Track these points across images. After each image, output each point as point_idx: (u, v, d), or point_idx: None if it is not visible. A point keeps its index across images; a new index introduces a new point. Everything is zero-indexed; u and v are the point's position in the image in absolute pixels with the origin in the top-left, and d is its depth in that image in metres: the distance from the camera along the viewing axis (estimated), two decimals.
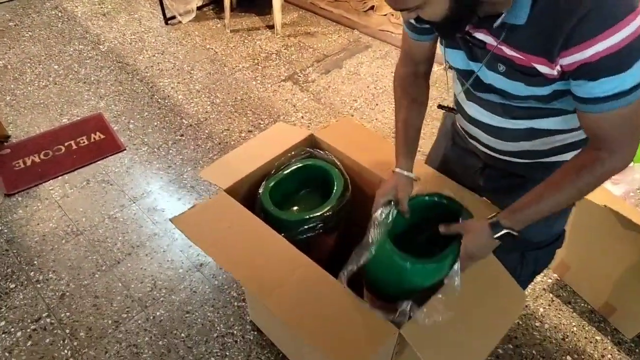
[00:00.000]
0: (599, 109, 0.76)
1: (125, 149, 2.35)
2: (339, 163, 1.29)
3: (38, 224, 2.01)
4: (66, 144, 2.35)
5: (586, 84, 0.74)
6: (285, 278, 1.00)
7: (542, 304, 1.80)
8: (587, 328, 1.73)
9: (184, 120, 2.52)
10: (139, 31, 3.14)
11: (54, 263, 1.87)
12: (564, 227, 1.20)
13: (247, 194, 1.27)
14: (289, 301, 0.97)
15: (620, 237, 1.54)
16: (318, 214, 1.19)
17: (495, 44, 0.83)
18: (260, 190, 1.23)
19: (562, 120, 0.93)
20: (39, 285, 1.80)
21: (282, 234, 1.15)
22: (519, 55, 0.80)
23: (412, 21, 0.96)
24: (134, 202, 2.11)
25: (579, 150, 0.90)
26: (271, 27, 3.20)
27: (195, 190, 2.17)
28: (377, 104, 2.66)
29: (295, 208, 1.32)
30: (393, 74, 1.12)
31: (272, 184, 1.24)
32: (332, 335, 0.92)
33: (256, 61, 2.94)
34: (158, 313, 1.73)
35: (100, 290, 1.80)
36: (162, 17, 3.18)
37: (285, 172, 1.27)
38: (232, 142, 2.40)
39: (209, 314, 1.72)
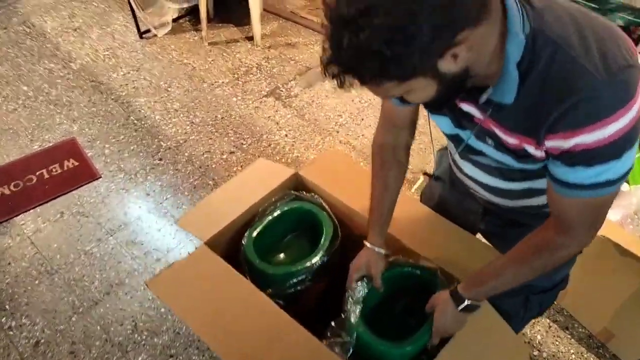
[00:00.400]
0: (569, 193, 0.74)
1: (100, 177, 2.23)
2: (326, 206, 1.21)
3: (9, 264, 1.89)
4: (38, 173, 2.23)
5: (562, 167, 0.72)
6: (270, 349, 0.92)
7: (539, 330, 1.75)
8: (585, 355, 1.69)
9: (162, 143, 2.41)
10: (112, 46, 3.01)
11: (27, 307, 1.76)
12: (568, 272, 1.15)
13: (229, 243, 1.18)
14: None
15: (619, 265, 1.49)
16: (307, 265, 1.11)
17: (482, 117, 0.79)
18: (244, 242, 1.15)
19: None
20: (11, 333, 1.69)
21: (269, 290, 1.08)
22: (506, 135, 0.77)
23: None
24: (111, 235, 2.00)
25: None
26: (250, 38, 3.10)
27: (176, 219, 2.07)
28: (362, 119, 2.58)
29: (281, 256, 1.24)
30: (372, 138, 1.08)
31: (255, 233, 1.15)
32: None
33: (236, 76, 2.84)
34: (140, 358, 1.64)
35: (78, 335, 1.69)
36: (136, 30, 3.05)
37: (270, 218, 1.19)
38: (213, 165, 2.30)
39: (194, 357, 1.63)
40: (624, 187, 1.53)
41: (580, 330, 1.75)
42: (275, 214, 1.19)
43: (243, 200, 1.21)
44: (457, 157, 1.00)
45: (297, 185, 1.29)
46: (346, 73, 0.63)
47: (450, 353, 0.94)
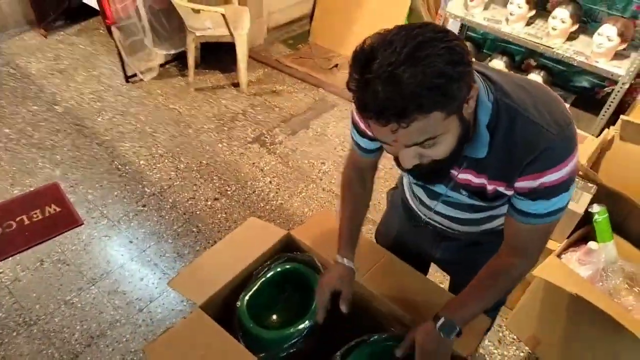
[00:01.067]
0: (528, 221, 0.91)
1: (83, 223, 2.22)
2: (319, 265, 1.25)
3: None
4: (18, 219, 2.20)
5: (526, 201, 0.89)
6: None
7: None
8: None
9: (146, 189, 2.42)
10: (97, 90, 3.04)
11: None
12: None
13: (222, 306, 1.20)
14: None
15: (592, 321, 1.57)
16: (300, 327, 1.14)
17: (456, 173, 0.95)
18: (238, 305, 1.17)
19: None
20: None
21: (263, 354, 1.10)
22: (480, 180, 0.93)
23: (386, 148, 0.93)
24: (93, 284, 1.98)
25: None
26: (236, 85, 3.18)
27: (159, 268, 2.07)
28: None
29: (274, 317, 1.26)
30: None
31: (248, 296, 1.18)
32: None
33: (222, 121, 2.90)
34: None
35: None
36: (122, 74, 3.09)
37: (263, 279, 1.22)
38: (197, 212, 2.32)
39: None
40: (593, 245, 1.63)
41: None
42: (269, 275, 1.22)
43: (236, 261, 1.24)
44: (425, 199, 1.13)
45: (289, 244, 1.33)
46: (394, 112, 0.70)
47: None
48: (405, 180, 1.25)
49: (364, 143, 1.09)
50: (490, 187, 0.93)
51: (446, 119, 0.74)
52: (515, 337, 1.91)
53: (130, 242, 2.17)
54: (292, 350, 1.15)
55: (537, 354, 1.85)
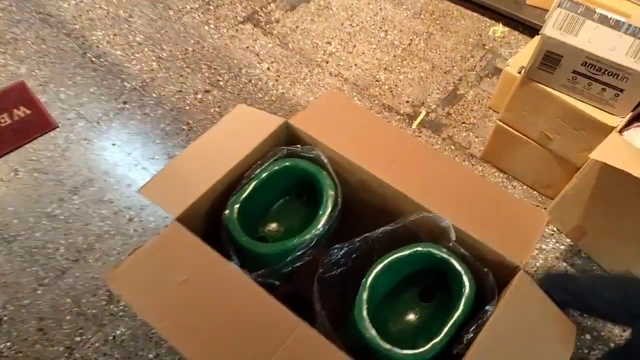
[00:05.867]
0: None
1: (58, 127, 1.94)
2: (325, 160, 0.98)
3: None
4: None
5: None
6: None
7: None
8: None
9: (126, 84, 2.09)
10: None
11: None
12: None
13: (207, 215, 0.95)
14: None
15: None
16: (307, 237, 0.90)
17: None
18: (227, 212, 0.92)
19: None
20: None
21: (261, 271, 0.87)
22: None
23: None
24: (75, 194, 1.75)
25: None
26: None
27: (149, 172, 1.82)
28: (354, 46, 2.28)
29: (273, 225, 1.02)
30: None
31: (239, 204, 0.92)
32: None
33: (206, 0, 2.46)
34: (118, 332, 1.46)
35: (46, 310, 1.50)
36: None
37: (257, 182, 0.95)
38: (186, 107, 2.02)
39: None
40: None
41: (600, 274, 1.61)
42: (264, 175, 0.96)
43: (222, 159, 0.97)
44: None
45: (288, 136, 1.04)
46: None
47: (489, 333, 0.77)
48: None
49: None
50: None
51: None
52: (555, 228, 1.68)
53: (113, 144, 1.90)
54: (298, 264, 0.92)
55: (581, 246, 1.64)
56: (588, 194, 1.47)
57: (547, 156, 1.60)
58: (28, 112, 1.98)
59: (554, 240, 1.67)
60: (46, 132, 1.92)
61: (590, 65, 1.31)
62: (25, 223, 1.68)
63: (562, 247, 1.66)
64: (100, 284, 1.56)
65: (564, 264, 1.63)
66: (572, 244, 1.66)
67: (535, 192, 1.77)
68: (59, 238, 1.65)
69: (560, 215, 1.63)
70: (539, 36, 1.35)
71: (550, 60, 1.36)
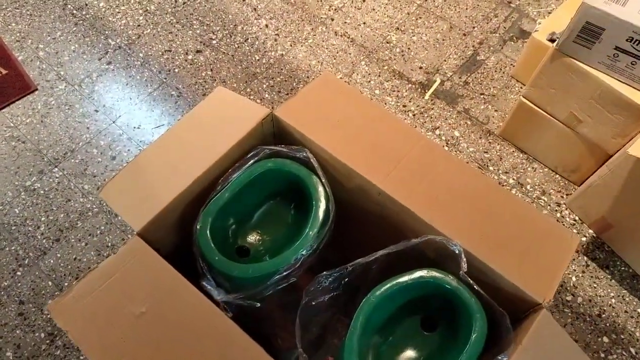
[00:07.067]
0: None
1: (36, 89, 1.78)
2: (316, 165, 0.82)
3: None
4: None
5: None
6: None
7: (574, 270, 1.47)
8: (627, 299, 1.43)
9: (110, 41, 1.90)
10: None
11: None
12: None
13: (177, 224, 0.82)
14: None
15: None
16: (290, 258, 0.77)
17: None
18: (198, 226, 0.78)
19: None
20: None
21: (238, 294, 0.75)
22: None
23: None
24: (56, 166, 1.62)
25: None
26: None
27: (133, 142, 1.68)
28: (363, 1, 2.04)
29: (256, 235, 0.88)
30: None
31: (212, 215, 0.78)
32: None
33: None
34: None
35: (26, 292, 1.42)
36: None
37: (234, 188, 0.81)
38: (175, 69, 1.83)
39: None
40: None
41: (623, 269, 1.47)
42: (242, 178, 0.81)
43: (195, 158, 0.82)
44: None
45: (274, 130, 0.88)
46: None
47: None
48: None
49: None
50: None
51: None
52: (577, 218, 1.53)
53: (97, 111, 1.74)
54: (282, 286, 0.79)
55: (605, 239, 1.49)
56: (619, 186, 1.30)
57: (574, 139, 1.42)
58: (4, 72, 1.82)
59: (575, 231, 1.53)
60: (24, 96, 1.76)
61: (637, 42, 1.11)
62: (2, 197, 1.56)
63: (584, 238, 1.52)
64: (82, 266, 1.46)
65: (585, 258, 1.49)
66: (594, 235, 1.51)
67: (557, 176, 1.61)
68: (39, 215, 1.54)
69: (583, 204, 1.48)
70: None
71: (589, 33, 1.16)
